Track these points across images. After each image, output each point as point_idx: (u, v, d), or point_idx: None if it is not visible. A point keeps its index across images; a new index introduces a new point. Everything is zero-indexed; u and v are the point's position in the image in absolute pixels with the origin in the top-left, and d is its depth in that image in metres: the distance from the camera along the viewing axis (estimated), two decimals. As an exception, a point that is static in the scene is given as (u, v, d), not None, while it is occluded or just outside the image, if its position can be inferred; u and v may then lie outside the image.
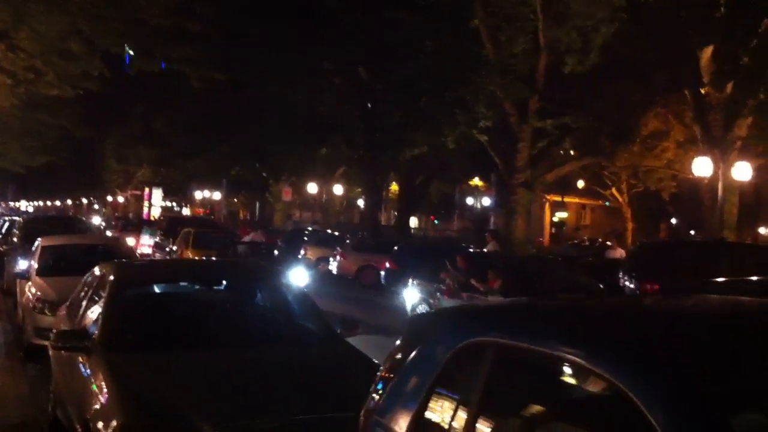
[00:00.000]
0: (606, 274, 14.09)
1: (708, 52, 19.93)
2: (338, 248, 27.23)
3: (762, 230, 42.35)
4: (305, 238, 30.75)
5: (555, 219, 49.53)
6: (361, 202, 49.07)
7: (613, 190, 39.23)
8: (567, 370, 2.52)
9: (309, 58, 30.16)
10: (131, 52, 25.18)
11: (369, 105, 30.30)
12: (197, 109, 40.20)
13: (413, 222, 49.78)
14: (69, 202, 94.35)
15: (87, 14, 19.32)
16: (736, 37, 19.18)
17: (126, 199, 70.66)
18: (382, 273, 23.54)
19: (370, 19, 27.01)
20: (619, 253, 21.58)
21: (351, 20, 28.32)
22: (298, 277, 14.84)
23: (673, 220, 44.27)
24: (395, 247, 24.33)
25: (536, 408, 2.80)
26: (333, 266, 26.48)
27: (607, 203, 45.99)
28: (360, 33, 28.10)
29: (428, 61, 24.72)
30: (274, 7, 30.75)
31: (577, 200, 50.06)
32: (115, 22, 20.23)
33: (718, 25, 19.11)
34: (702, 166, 20.57)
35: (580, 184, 42.15)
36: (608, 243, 26.41)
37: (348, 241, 28.92)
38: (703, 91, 21.13)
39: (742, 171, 20.33)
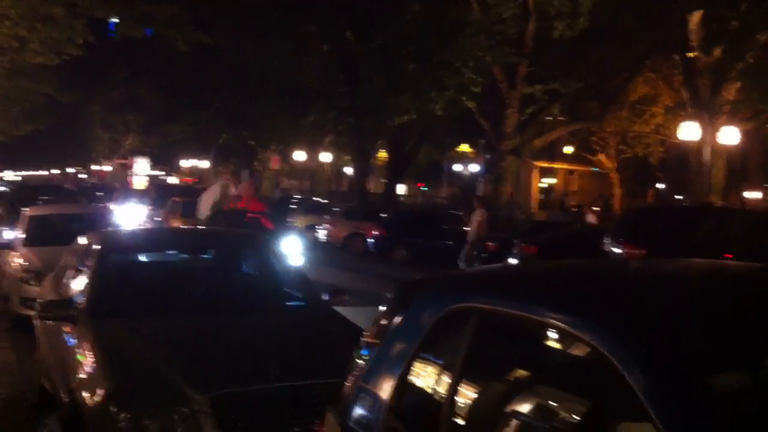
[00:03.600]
0: (591, 238, 14.13)
1: (696, 16, 19.88)
2: (327, 216, 27.22)
3: (747, 194, 42.59)
4: (293, 206, 30.71)
5: (543, 185, 49.58)
6: (349, 170, 48.94)
7: (602, 156, 39.28)
8: (549, 334, 2.52)
9: (291, 21, 29.78)
10: (116, 19, 24.85)
11: (354, 69, 29.97)
12: (180, 74, 39.81)
13: (402, 189, 49.71)
14: (57, 171, 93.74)
15: None
16: (725, 0, 19.13)
17: (112, 168, 70.25)
18: (371, 241, 23.57)
19: None
20: (591, 219, 21.73)
21: None
22: (292, 245, 14.71)
23: (661, 186, 44.43)
24: (386, 215, 24.32)
25: (519, 372, 2.81)
26: (321, 234, 26.48)
27: (595, 169, 46.06)
28: None
29: (414, 24, 24.45)
30: None
31: (565, 166, 50.09)
32: None
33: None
34: (689, 131, 20.63)
35: (569, 150, 42.17)
36: (584, 210, 26.32)
37: (336, 209, 28.91)
38: (691, 56, 21.10)
39: (730, 135, 20.40)
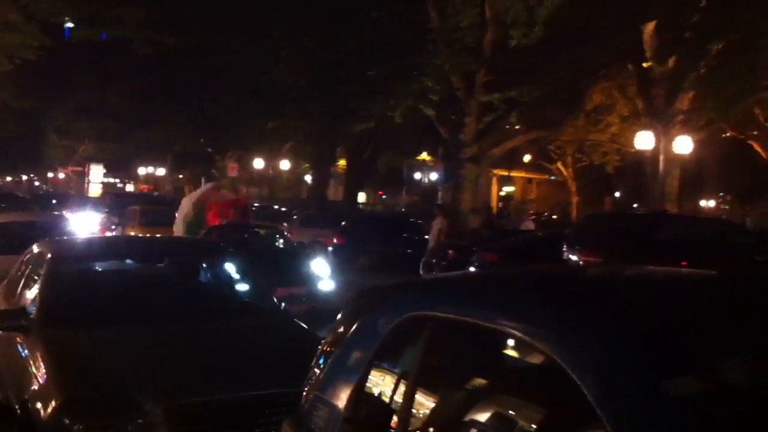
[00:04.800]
0: (550, 245, 14.24)
1: (651, 25, 20.19)
2: (285, 224, 27.09)
3: (703, 203, 43.41)
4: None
5: (502, 193, 49.97)
6: (308, 178, 48.85)
7: (559, 164, 39.72)
8: (505, 342, 2.52)
9: (257, 25, 29.64)
10: (70, 24, 24.56)
11: (320, 74, 29.91)
12: (142, 80, 39.40)
13: (361, 197, 49.74)
14: (10, 179, 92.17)
15: None
16: (677, 10, 19.45)
17: (67, 175, 69.20)
18: (329, 248, 23.50)
19: None
20: (529, 225, 21.98)
21: None
22: (321, 268, 14.43)
23: (617, 194, 45.05)
24: (343, 222, 24.25)
25: (477, 381, 2.80)
26: (279, 242, 26.29)
27: (553, 177, 46.56)
28: (305, 3, 27.68)
29: (379, 31, 24.48)
30: None
31: (523, 174, 50.57)
32: None
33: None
34: (644, 140, 20.93)
35: (527, 158, 42.56)
36: (520, 217, 26.68)
37: (295, 216, 28.75)
38: (645, 65, 21.42)
39: (684, 144, 20.73)
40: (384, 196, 57.87)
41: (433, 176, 45.31)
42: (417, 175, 49.89)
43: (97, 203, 31.86)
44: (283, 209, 34.29)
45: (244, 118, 35.10)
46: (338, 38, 27.25)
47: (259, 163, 44.13)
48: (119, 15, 21.03)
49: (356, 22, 25.65)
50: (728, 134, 30.39)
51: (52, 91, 48.87)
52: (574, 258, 12.56)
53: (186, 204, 17.55)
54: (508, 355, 2.59)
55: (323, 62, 29.29)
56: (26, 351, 5.70)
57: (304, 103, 32.22)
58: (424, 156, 46.80)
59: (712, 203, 45.28)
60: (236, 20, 29.97)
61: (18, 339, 5.95)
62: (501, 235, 19.73)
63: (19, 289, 7.14)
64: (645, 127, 21.65)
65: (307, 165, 45.01)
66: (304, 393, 3.31)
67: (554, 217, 42.78)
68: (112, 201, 31.52)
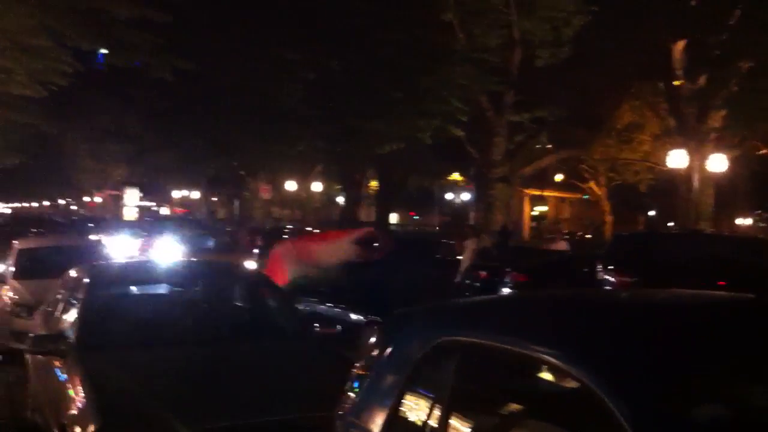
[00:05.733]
0: (583, 266, 14.14)
1: (680, 44, 20.10)
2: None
3: (739, 221, 42.80)
4: (285, 236, 30.62)
5: (534, 213, 49.72)
6: (341, 199, 49.02)
7: (592, 183, 39.45)
8: (537, 367, 2.53)
9: (275, 48, 29.86)
10: (104, 51, 24.96)
11: (338, 97, 30.03)
12: (167, 103, 39.87)
13: (393, 218, 49.77)
14: (47, 203, 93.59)
15: (46, 6, 18.98)
16: (707, 29, 19.36)
17: (103, 199, 70.10)
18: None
19: (337, 11, 26.67)
20: (562, 246, 21.76)
21: (318, 12, 28.03)
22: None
23: (651, 213, 44.62)
24: (375, 243, 24.22)
25: (509, 406, 2.81)
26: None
27: (585, 197, 46.24)
28: (327, 24, 27.82)
29: (399, 53, 24.53)
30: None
31: (556, 194, 50.29)
32: (76, 13, 19.85)
33: (688, 17, 19.27)
34: (677, 159, 20.76)
35: (559, 177, 42.35)
36: (552, 236, 26.48)
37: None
38: (676, 83, 21.31)
39: (717, 162, 20.53)
40: (416, 217, 57.85)
41: (465, 196, 45.27)
42: (448, 196, 49.83)
43: (134, 227, 32.12)
44: (316, 231, 34.37)
45: (263, 141, 35.30)
46: (359, 59, 27.33)
47: (291, 185, 44.38)
48: (143, 41, 21.32)
49: (377, 43, 25.68)
50: (763, 151, 30.04)
51: (80, 115, 49.66)
52: (607, 278, 12.45)
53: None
54: (541, 381, 2.60)
55: (342, 84, 29.41)
56: (64, 375, 5.79)
57: (324, 126, 32.42)
58: (456, 176, 46.78)
59: (749, 221, 44.63)
60: (252, 44, 30.22)
61: (56, 363, 6.05)
62: (514, 254, 19.63)
63: (57, 314, 7.26)
64: (677, 145, 21.48)
65: (339, 187, 45.19)
66: (338, 418, 3.33)
67: (588, 236, 42.43)
68: (150, 225, 31.86)
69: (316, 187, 44.60)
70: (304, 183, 44.43)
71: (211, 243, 23.76)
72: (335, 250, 13.51)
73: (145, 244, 25.74)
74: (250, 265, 16.72)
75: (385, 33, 24.88)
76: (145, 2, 20.50)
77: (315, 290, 12.16)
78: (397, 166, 35.23)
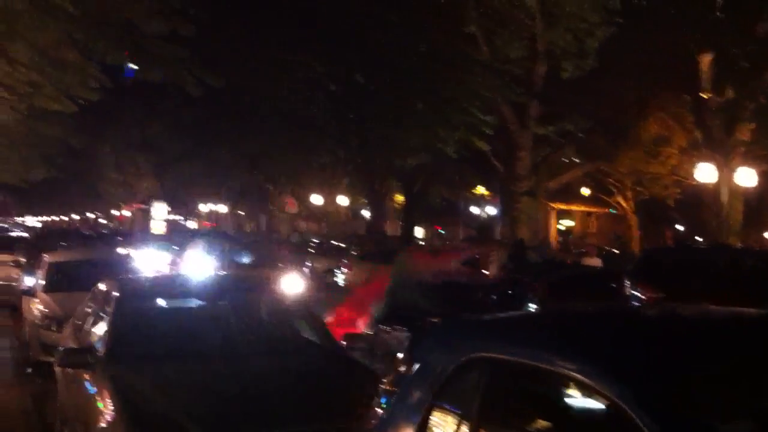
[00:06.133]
0: (609, 280, 14.05)
1: (707, 56, 19.95)
2: (344, 260, 27.14)
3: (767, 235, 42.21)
4: (311, 250, 30.72)
5: (561, 227, 49.44)
6: (366, 213, 49.09)
7: (618, 197, 39.16)
8: (563, 383, 2.53)
9: (298, 61, 30.02)
10: (134, 66, 25.20)
11: (360, 106, 30.10)
12: (193, 116, 40.23)
13: (419, 231, 49.72)
14: (76, 217, 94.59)
15: (78, 22, 19.21)
16: (733, 41, 19.20)
17: (132, 213, 70.68)
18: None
19: (360, 22, 26.75)
20: (596, 262, 21.58)
21: (341, 23, 28.14)
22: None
23: (679, 227, 44.20)
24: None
25: (537, 422, 2.81)
26: (339, 278, 26.38)
27: (612, 210, 45.92)
28: (350, 35, 27.91)
29: (420, 61, 24.52)
30: (259, 9, 30.79)
31: (582, 208, 49.97)
32: (107, 28, 20.07)
33: (714, 29, 19.14)
34: (705, 172, 20.57)
35: (585, 191, 42.10)
36: (584, 250, 26.28)
37: (354, 252, 28.82)
38: (703, 96, 21.13)
39: (746, 176, 20.30)
40: (441, 231, 57.75)
41: (490, 210, 45.13)
42: (474, 209, 49.70)
43: (164, 241, 32.27)
44: (342, 245, 34.46)
45: (290, 150, 35.46)
46: (382, 70, 27.35)
47: (317, 199, 44.49)
48: (167, 54, 21.48)
49: (400, 55, 25.67)
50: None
51: (105, 128, 50.21)
52: (635, 293, 12.37)
53: None
54: (569, 397, 2.60)
55: (361, 95, 29.47)
56: (93, 388, 5.85)
57: (345, 138, 32.50)
58: (481, 189, 46.68)
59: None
60: (274, 55, 30.38)
61: (85, 376, 6.11)
62: (541, 268, 19.50)
63: (86, 327, 7.33)
64: (705, 158, 21.28)
65: (364, 200, 45.26)
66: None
67: (614, 251, 42.12)
68: (182, 239, 32.03)
69: (342, 200, 44.70)
70: (329, 197, 44.56)
71: (246, 257, 23.77)
72: (450, 268, 13.34)
73: (175, 258, 25.90)
74: (296, 280, 16.67)
75: (410, 44, 24.91)
76: (174, 16, 20.67)
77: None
78: (421, 180, 35.24)
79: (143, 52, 21.53)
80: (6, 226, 52.04)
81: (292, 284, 15.39)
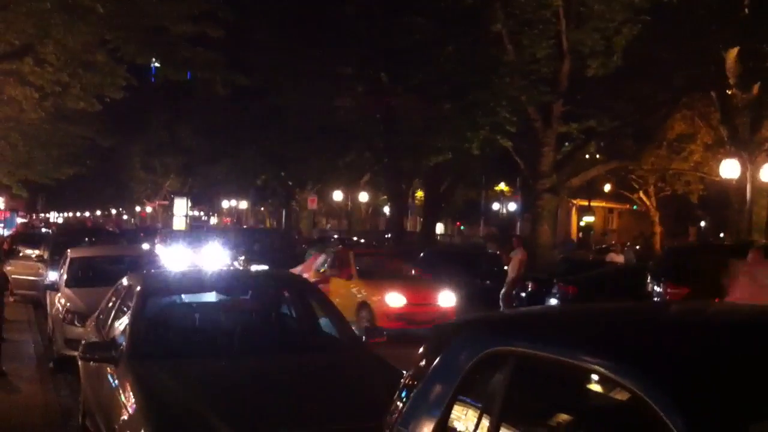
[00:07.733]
0: (632, 278, 13.98)
1: (733, 52, 19.78)
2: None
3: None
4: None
5: (582, 224, 49.22)
6: (387, 209, 49.08)
7: (641, 193, 38.94)
8: (589, 379, 2.51)
9: (327, 63, 30.09)
10: (158, 64, 25.38)
11: (388, 110, 30.15)
12: (219, 116, 40.52)
13: (440, 228, 49.65)
14: (99, 213, 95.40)
15: (109, 24, 19.39)
16: (759, 36, 18.99)
17: (154, 209, 71.18)
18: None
19: (387, 24, 26.76)
20: (620, 259, 21.45)
21: (368, 25, 28.16)
22: None
23: (702, 224, 43.88)
24: (421, 254, 24.23)
25: (560, 417, 2.79)
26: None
27: (634, 207, 45.70)
28: (377, 38, 27.94)
29: (447, 65, 24.49)
30: (291, 13, 30.91)
31: (604, 204, 49.74)
32: (137, 30, 20.24)
33: (741, 25, 18.95)
34: (730, 169, 20.36)
35: (607, 188, 41.91)
36: (611, 247, 26.25)
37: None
38: (729, 92, 20.95)
39: (771, 173, 20.09)
40: (462, 228, 57.67)
41: (512, 207, 45.00)
42: (495, 206, 49.59)
43: (188, 237, 32.45)
44: (362, 241, 34.50)
45: (317, 152, 35.61)
46: (405, 73, 27.33)
47: (338, 196, 44.58)
48: (195, 57, 21.61)
49: (422, 58, 25.65)
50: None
51: (134, 128, 50.69)
52: (659, 291, 12.29)
53: None
54: (593, 392, 2.57)
55: (389, 98, 29.49)
56: (116, 382, 5.88)
57: (371, 139, 32.56)
58: (502, 187, 46.54)
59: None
60: (302, 59, 30.48)
61: (108, 370, 6.15)
62: (566, 265, 19.43)
63: (110, 321, 7.38)
64: (730, 155, 21.08)
65: (385, 197, 45.28)
66: (387, 427, 3.33)
67: (637, 247, 41.92)
68: (202, 235, 32.26)
69: (363, 197, 44.76)
70: (350, 193, 44.62)
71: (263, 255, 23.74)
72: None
73: (197, 253, 26.04)
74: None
75: (435, 47, 24.86)
76: (203, 19, 20.83)
77: None
78: (443, 177, 35.22)
79: (173, 53, 21.69)
80: (28, 222, 52.57)
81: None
